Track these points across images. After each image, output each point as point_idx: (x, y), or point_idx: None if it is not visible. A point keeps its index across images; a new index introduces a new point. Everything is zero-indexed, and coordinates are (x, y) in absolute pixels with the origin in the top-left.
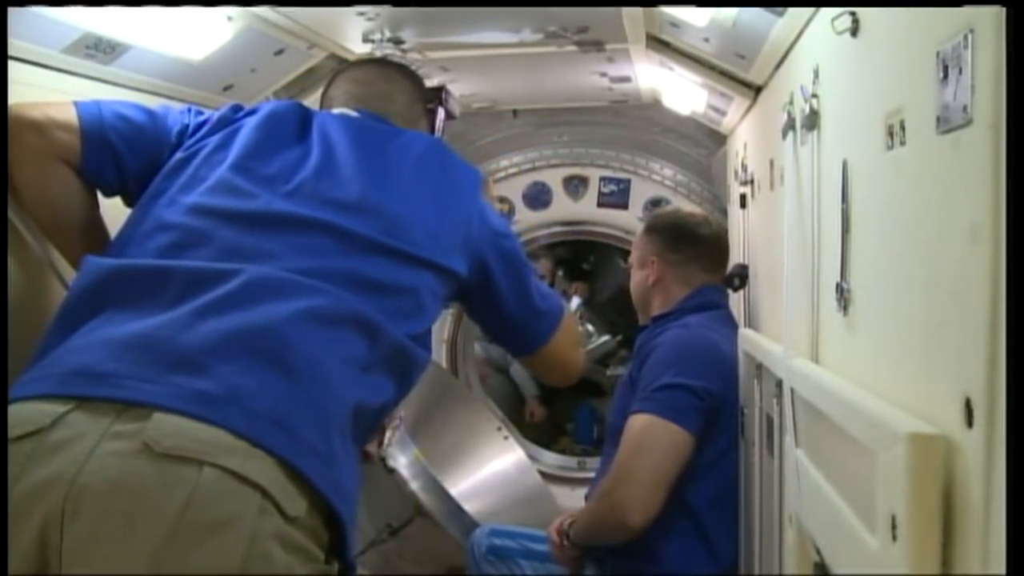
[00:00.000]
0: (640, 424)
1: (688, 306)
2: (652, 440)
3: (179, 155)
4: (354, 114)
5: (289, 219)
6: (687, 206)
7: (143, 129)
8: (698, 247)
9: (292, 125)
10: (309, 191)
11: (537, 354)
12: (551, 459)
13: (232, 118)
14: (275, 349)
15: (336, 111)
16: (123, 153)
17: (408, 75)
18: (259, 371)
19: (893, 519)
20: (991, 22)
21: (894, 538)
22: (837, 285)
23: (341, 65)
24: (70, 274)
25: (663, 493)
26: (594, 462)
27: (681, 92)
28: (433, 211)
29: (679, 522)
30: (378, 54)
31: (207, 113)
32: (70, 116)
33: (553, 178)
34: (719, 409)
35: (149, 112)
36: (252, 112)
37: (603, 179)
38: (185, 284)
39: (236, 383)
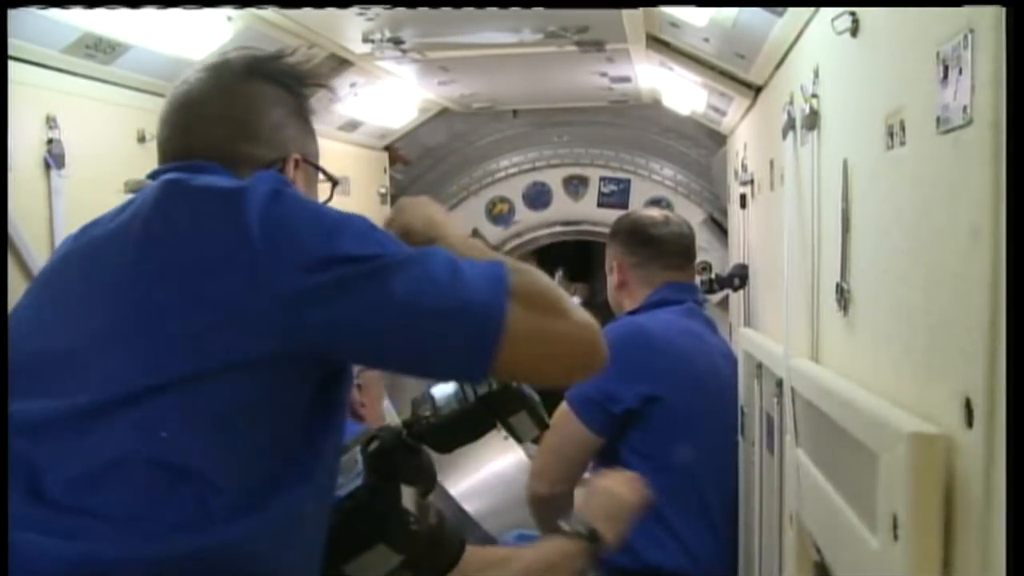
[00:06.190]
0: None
1: (649, 304)
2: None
3: None
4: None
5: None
6: (687, 206)
7: None
8: (653, 247)
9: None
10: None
11: (498, 366)
12: None
13: None
14: None
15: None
16: None
17: (234, 78)
18: None
19: (895, 519)
20: (991, 22)
21: (895, 538)
22: (837, 285)
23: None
24: None
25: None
26: None
27: (681, 92)
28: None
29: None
30: (378, 54)
31: None
32: None
33: (553, 178)
34: (648, 404)
35: None
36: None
37: (603, 179)
38: None
39: None
